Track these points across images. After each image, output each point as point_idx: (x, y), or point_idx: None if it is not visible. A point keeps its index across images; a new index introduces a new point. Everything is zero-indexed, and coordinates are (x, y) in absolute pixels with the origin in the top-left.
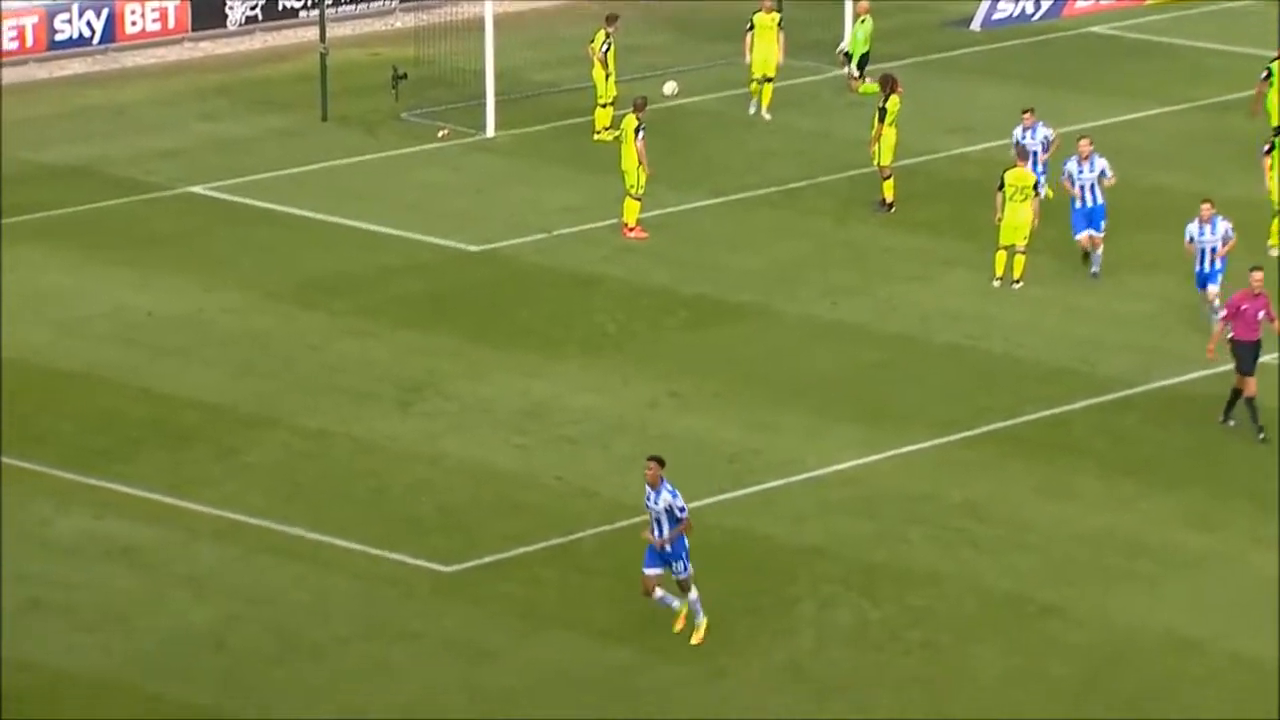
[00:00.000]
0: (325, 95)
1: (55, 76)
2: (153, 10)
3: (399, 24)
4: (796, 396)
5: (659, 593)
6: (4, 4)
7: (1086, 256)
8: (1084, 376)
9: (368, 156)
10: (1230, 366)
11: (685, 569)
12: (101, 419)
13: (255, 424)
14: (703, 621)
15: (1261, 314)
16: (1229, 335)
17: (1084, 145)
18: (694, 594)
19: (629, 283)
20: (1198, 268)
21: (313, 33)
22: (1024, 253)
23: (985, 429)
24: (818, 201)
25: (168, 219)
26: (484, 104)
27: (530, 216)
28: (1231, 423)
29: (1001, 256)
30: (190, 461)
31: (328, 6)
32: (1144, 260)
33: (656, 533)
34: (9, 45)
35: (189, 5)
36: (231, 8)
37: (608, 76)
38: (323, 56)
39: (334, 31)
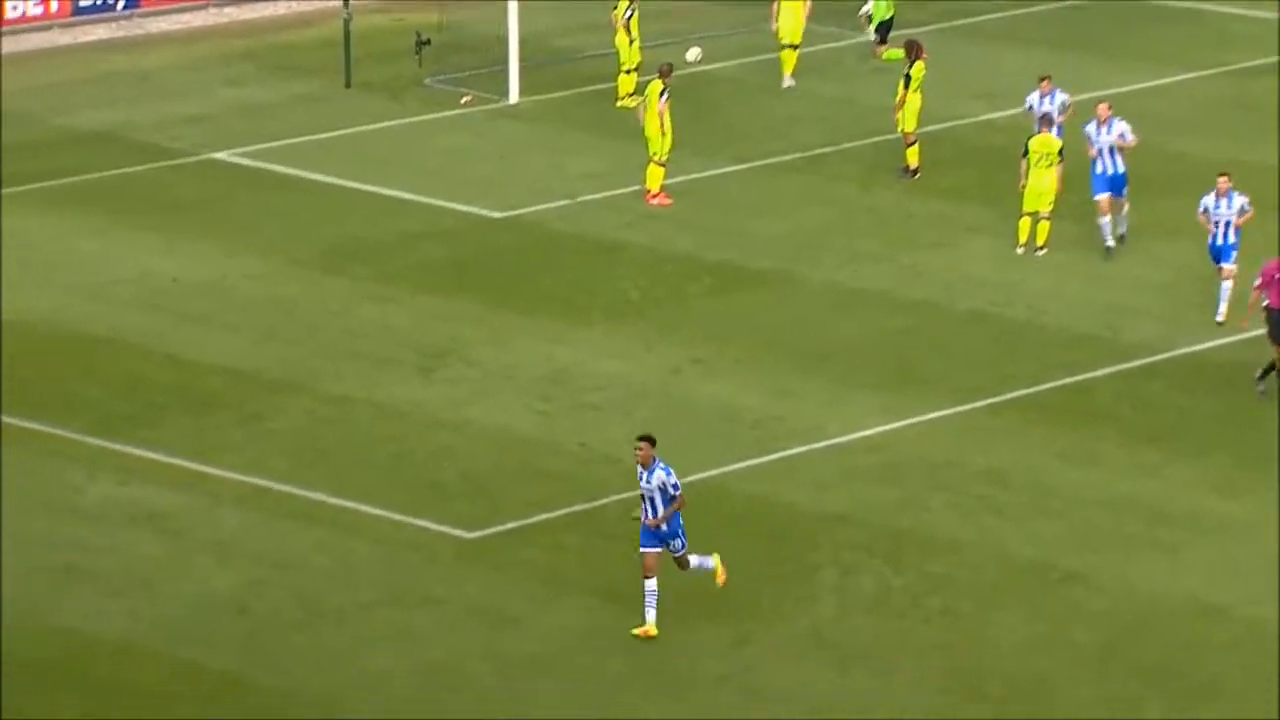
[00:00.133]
0: (349, 61)
1: (80, 42)
2: None
3: None
4: (820, 363)
5: (694, 559)
6: None
7: (1103, 223)
8: (1108, 343)
9: (391, 122)
10: (1261, 331)
11: (683, 545)
12: (127, 384)
13: (279, 390)
14: (651, 627)
15: None
16: (1264, 304)
17: (1102, 109)
18: (651, 587)
19: (652, 249)
20: (1212, 241)
21: None
22: (1048, 219)
23: (1009, 396)
24: (842, 168)
25: (192, 185)
26: (507, 70)
27: (553, 183)
28: (1261, 388)
29: (1025, 223)
30: (214, 427)
31: None
32: (1168, 226)
33: (650, 512)
34: (34, 10)
35: None
36: None
37: (631, 43)
38: (346, 22)
39: None
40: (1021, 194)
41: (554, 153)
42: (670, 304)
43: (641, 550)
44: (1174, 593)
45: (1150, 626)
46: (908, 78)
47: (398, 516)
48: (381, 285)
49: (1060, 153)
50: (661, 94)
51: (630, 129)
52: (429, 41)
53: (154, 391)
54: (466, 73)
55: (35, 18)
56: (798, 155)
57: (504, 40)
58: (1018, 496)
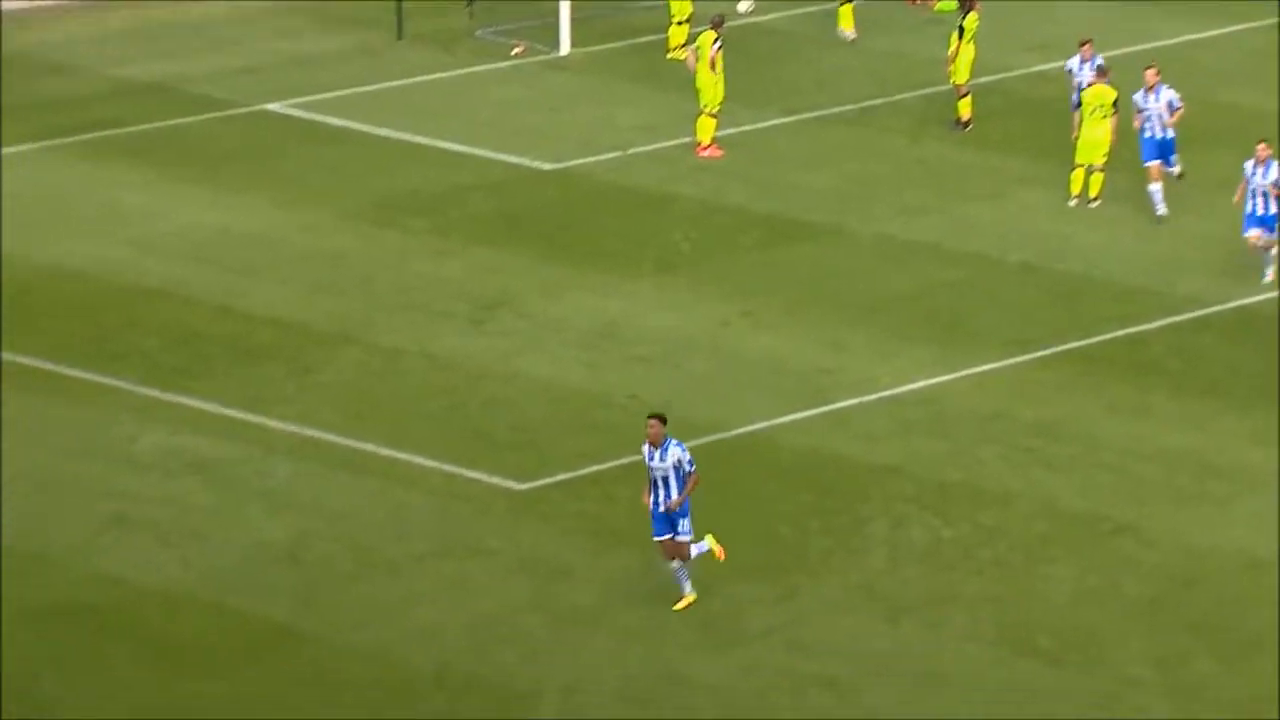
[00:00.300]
0: (400, 13)
1: None
2: None
3: None
4: (870, 316)
5: (694, 549)
6: None
7: (1153, 190)
8: (1160, 296)
9: (442, 74)
10: None
11: (689, 529)
12: (179, 336)
13: (329, 341)
14: (690, 594)
15: None
16: None
17: (1150, 75)
18: (679, 563)
19: (702, 201)
20: (1248, 209)
21: None
22: (1101, 171)
23: (1059, 348)
24: (892, 120)
25: (243, 136)
26: (558, 22)
27: (604, 135)
28: None
29: (1078, 175)
30: (265, 378)
31: None
32: (1219, 179)
33: (664, 494)
34: None
35: None
36: None
37: None
38: None
39: None
40: (1074, 146)
41: (605, 104)
42: (720, 256)
43: (656, 540)
44: (1223, 546)
45: (1200, 579)
46: (961, 29)
47: (449, 468)
48: (432, 237)
49: (1115, 104)
50: (714, 45)
51: (681, 81)
52: None
53: (205, 343)
54: (517, 24)
55: None
56: (848, 107)
57: None
58: (1068, 449)
